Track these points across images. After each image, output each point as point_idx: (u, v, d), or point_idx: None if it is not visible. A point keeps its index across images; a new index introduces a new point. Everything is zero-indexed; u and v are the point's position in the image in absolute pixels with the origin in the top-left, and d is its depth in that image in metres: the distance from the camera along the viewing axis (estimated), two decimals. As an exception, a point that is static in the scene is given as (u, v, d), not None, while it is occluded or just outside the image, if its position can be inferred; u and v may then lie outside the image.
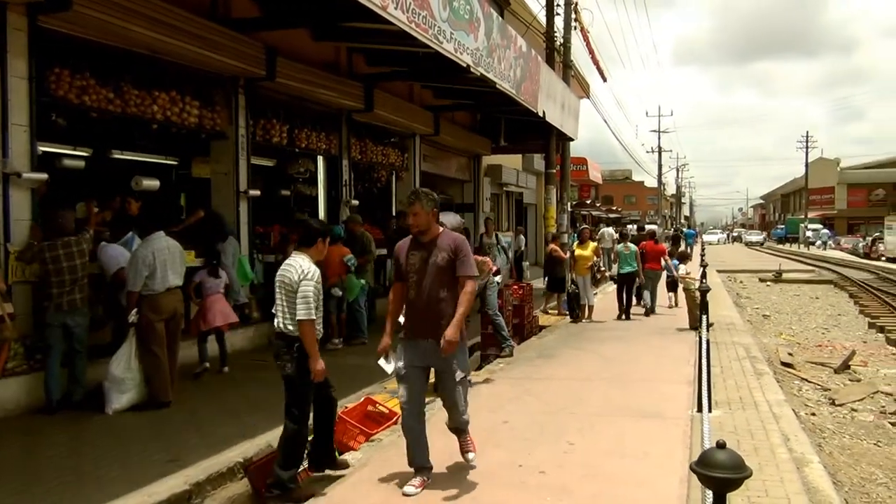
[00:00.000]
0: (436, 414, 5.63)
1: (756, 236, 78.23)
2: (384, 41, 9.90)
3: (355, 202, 12.49)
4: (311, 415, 5.01)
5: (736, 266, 33.25)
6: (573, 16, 18.31)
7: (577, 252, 12.93)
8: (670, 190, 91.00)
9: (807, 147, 68.89)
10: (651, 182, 78.03)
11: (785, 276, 28.32)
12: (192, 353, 8.16)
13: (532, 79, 12.41)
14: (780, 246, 66.15)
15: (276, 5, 9.43)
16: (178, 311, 7.09)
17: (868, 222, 61.73)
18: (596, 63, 22.58)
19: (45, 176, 6.91)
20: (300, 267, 4.76)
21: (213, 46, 8.39)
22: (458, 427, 4.88)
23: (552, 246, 14.07)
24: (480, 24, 9.30)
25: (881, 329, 15.21)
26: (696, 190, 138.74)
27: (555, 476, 4.92)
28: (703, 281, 10.40)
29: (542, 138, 16.94)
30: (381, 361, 4.93)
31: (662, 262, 13.67)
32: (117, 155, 9.77)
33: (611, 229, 27.76)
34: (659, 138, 67.83)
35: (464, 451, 4.92)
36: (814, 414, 8.61)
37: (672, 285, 14.67)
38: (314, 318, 4.74)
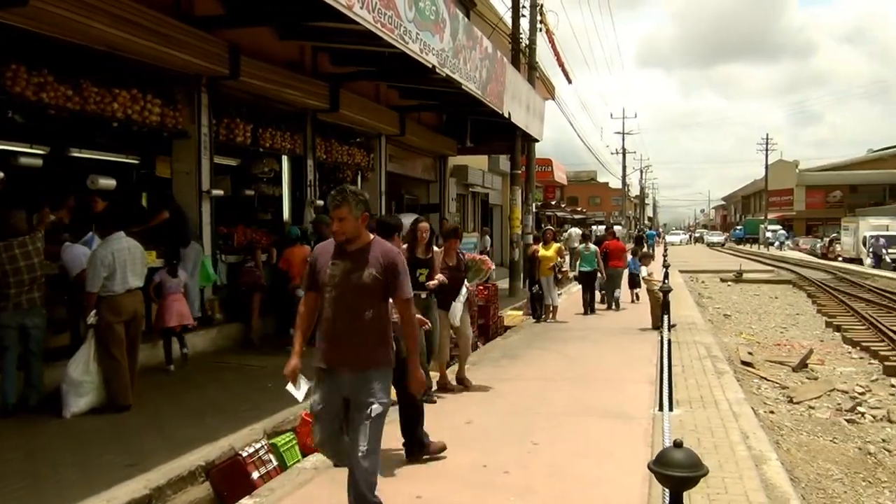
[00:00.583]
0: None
1: (718, 237, 79.56)
2: (350, 41, 9.86)
3: (320, 202, 12.40)
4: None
5: (698, 266, 33.75)
6: (538, 18, 18.47)
7: (541, 253, 13.03)
8: (634, 191, 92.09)
9: (766, 149, 70.30)
10: (615, 183, 78.93)
11: (745, 276, 28.84)
12: (152, 354, 8.05)
13: (497, 80, 12.46)
14: (740, 246, 67.32)
15: (241, 3, 9.33)
16: (138, 313, 6.97)
17: (825, 223, 63.12)
18: (561, 65, 22.79)
19: (0, 174, 6.76)
20: None
21: (176, 44, 8.27)
22: (360, 497, 3.85)
23: (535, 247, 14.16)
24: (446, 25, 9.32)
25: (838, 328, 15.55)
26: (659, 191, 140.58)
27: (519, 476, 4.95)
28: (666, 281, 10.55)
29: (508, 139, 17.04)
30: (290, 387, 4.14)
31: (625, 261, 14.38)
32: (76, 153, 9.57)
33: (577, 230, 28.07)
34: (623, 140, 68.70)
35: None
36: (772, 412, 8.78)
37: (634, 282, 15.64)
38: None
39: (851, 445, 7.63)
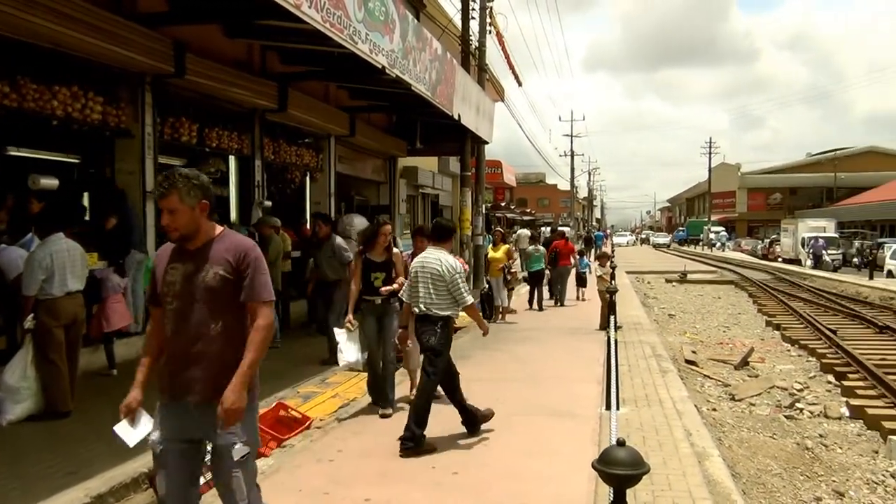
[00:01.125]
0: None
1: (663, 238, 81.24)
2: (299, 40, 9.76)
3: (268, 203, 12.26)
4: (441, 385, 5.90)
5: (644, 267, 34.39)
6: (488, 20, 18.56)
7: (490, 255, 13.14)
8: (582, 193, 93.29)
9: (710, 152, 72.09)
10: (564, 185, 79.74)
11: (689, 276, 29.49)
12: (93, 358, 7.85)
13: (447, 82, 12.49)
14: (684, 247, 68.83)
15: (186, 0, 9.17)
16: (78, 317, 6.79)
17: (766, 225, 65.03)
18: (511, 67, 22.94)
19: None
20: (447, 261, 5.84)
21: (118, 41, 8.07)
22: None
23: (506, 248, 14.36)
24: (396, 26, 9.30)
25: (777, 327, 16.01)
26: (606, 193, 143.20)
27: (469, 476, 4.98)
28: (613, 282, 10.72)
29: (458, 141, 17.08)
30: (121, 427, 3.30)
31: (572, 260, 15.25)
32: (13, 152, 9.27)
33: (527, 231, 28.39)
34: (571, 142, 69.45)
35: None
36: (715, 409, 8.99)
37: (581, 281, 17.00)
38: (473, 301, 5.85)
39: (790, 441, 7.86)
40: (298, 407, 6.63)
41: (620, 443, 2.34)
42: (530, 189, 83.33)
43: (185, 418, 3.12)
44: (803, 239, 37.87)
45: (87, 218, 9.69)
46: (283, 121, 12.60)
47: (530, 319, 13.67)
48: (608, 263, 13.62)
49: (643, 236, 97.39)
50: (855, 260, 33.87)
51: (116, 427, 3.29)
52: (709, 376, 10.90)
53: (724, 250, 57.98)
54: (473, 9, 18.08)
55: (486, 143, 18.13)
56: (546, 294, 15.93)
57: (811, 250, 35.26)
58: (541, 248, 15.71)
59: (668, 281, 28.86)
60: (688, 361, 11.57)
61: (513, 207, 49.65)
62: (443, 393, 6.04)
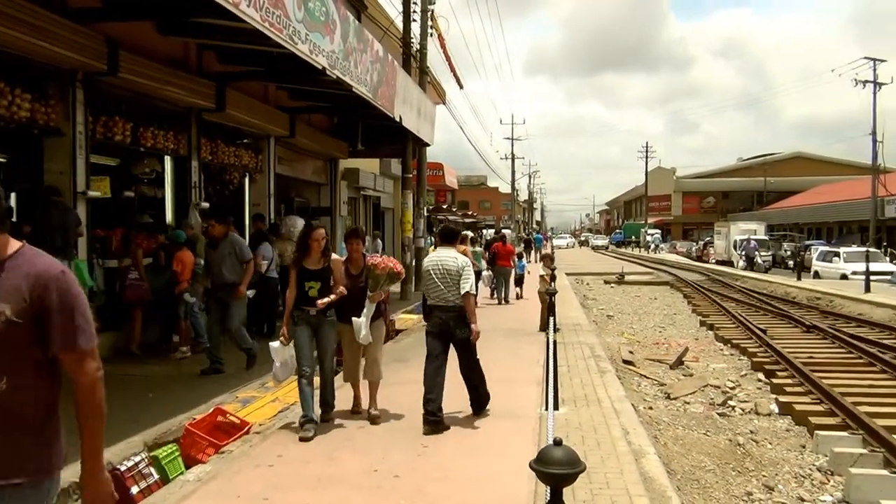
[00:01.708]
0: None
1: (602, 240, 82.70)
2: (237, 39, 9.60)
3: (205, 204, 12.01)
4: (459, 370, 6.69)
5: (583, 269, 34.94)
6: (430, 23, 18.63)
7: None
8: (523, 195, 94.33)
9: (646, 156, 73.75)
10: (505, 188, 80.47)
11: (627, 278, 30.08)
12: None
13: (389, 83, 12.47)
14: (622, 249, 70.18)
15: (119, -4, 8.92)
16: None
17: (700, 227, 66.90)
18: (452, 69, 23.07)
19: None
20: (458, 259, 6.35)
21: (47, 36, 7.79)
22: None
23: (462, 248, 14.35)
24: (336, 27, 9.24)
25: (711, 327, 16.45)
26: (547, 196, 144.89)
27: (409, 479, 4.97)
28: (552, 284, 10.85)
29: (400, 143, 17.09)
30: None
31: (512, 262, 16.22)
32: (-66, 150, 8.88)
33: (469, 233, 28.64)
34: (512, 145, 70.28)
35: None
36: (651, 408, 9.19)
37: (519, 280, 18.01)
38: (475, 292, 6.39)
39: (723, 437, 8.09)
40: (237, 412, 6.51)
41: (557, 442, 2.37)
42: (472, 192, 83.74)
43: None
44: (735, 241, 39.08)
45: (13, 219, 9.32)
46: (221, 121, 12.37)
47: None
48: (551, 264, 13.80)
49: (582, 238, 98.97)
50: (790, 262, 35.02)
51: None
52: (645, 376, 11.14)
53: (658, 252, 59.35)
54: (415, 11, 18.12)
55: (428, 145, 18.18)
56: (486, 292, 16.45)
57: (743, 252, 36.41)
58: (478, 248, 17.20)
59: (606, 282, 29.39)
60: (625, 362, 11.80)
61: (454, 210, 49.82)
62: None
